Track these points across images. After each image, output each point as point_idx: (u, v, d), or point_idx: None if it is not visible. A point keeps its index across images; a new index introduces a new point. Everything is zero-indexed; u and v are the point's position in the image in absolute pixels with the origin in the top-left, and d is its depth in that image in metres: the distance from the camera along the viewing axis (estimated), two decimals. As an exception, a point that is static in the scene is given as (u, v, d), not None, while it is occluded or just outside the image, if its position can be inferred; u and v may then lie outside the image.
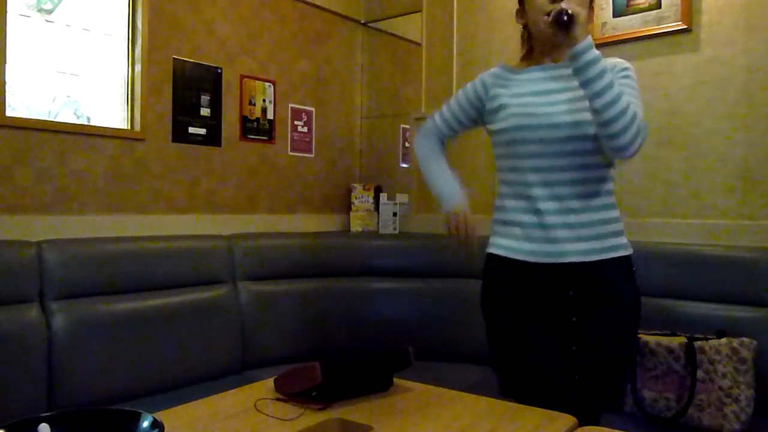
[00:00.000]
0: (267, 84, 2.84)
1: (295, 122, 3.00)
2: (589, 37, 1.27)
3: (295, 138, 2.99)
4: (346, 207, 3.22)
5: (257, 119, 2.80)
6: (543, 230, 1.38)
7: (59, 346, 1.86)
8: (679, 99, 2.30)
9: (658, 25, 2.32)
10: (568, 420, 1.04)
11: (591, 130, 1.34)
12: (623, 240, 1.42)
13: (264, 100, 2.83)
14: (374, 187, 3.17)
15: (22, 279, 1.85)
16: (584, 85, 1.27)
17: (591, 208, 1.37)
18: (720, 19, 2.22)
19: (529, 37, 1.50)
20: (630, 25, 2.37)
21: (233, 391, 1.20)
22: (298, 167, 3.01)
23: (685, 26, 2.26)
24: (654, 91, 2.35)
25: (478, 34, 2.85)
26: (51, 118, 2.19)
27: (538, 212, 1.38)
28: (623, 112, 1.25)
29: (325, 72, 3.15)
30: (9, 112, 2.02)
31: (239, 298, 2.40)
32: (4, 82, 1.98)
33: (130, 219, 2.32)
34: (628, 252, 1.43)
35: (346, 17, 3.25)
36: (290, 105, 2.97)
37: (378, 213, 3.09)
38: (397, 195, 3.07)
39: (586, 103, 1.32)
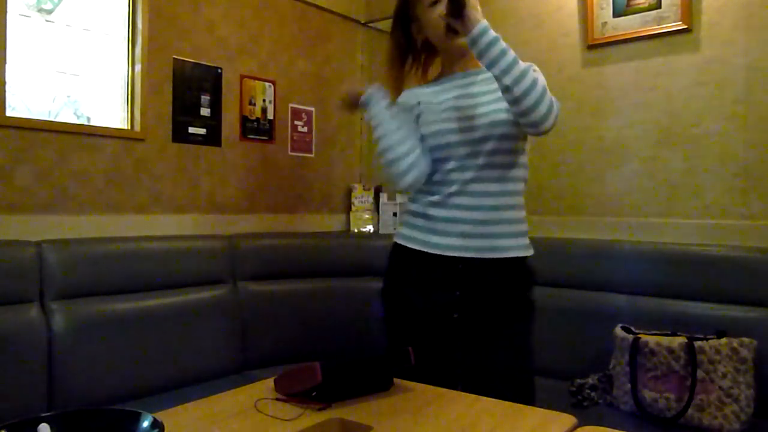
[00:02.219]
0: (267, 84, 2.84)
1: (295, 122, 3.00)
2: (485, 21, 1.31)
3: (295, 138, 2.99)
4: (346, 207, 3.21)
5: (257, 119, 2.80)
6: (440, 223, 1.44)
7: (59, 346, 1.86)
8: (679, 99, 2.30)
9: (658, 25, 2.32)
10: (568, 420, 1.04)
11: (506, 129, 1.40)
12: (522, 241, 1.46)
13: (264, 100, 2.83)
14: (374, 187, 3.17)
15: (22, 279, 1.85)
16: (490, 66, 1.30)
17: (494, 208, 1.42)
18: (720, 19, 2.22)
19: (426, 49, 1.57)
20: (630, 25, 2.37)
21: (233, 391, 1.20)
22: (298, 167, 3.01)
23: (685, 26, 2.26)
24: (654, 91, 2.35)
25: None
26: (51, 118, 2.19)
27: (436, 204, 1.45)
28: (532, 86, 1.29)
29: (325, 72, 3.15)
30: (9, 112, 2.02)
31: (239, 298, 2.40)
32: (4, 82, 1.98)
33: (130, 219, 2.32)
34: (524, 254, 1.46)
35: (346, 17, 3.25)
36: (290, 105, 2.97)
37: (378, 213, 3.09)
38: (397, 195, 3.07)
39: (500, 105, 1.38)
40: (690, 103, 2.29)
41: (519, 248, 1.46)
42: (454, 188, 1.43)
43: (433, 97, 1.50)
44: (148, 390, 2.02)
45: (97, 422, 0.86)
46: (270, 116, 2.86)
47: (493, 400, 1.15)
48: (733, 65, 2.20)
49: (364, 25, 3.35)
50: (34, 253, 1.89)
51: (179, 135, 2.48)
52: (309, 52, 3.06)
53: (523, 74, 1.29)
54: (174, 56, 2.46)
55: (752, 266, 2.01)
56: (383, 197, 3.07)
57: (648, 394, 1.90)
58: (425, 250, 1.47)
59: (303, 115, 3.04)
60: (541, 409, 1.09)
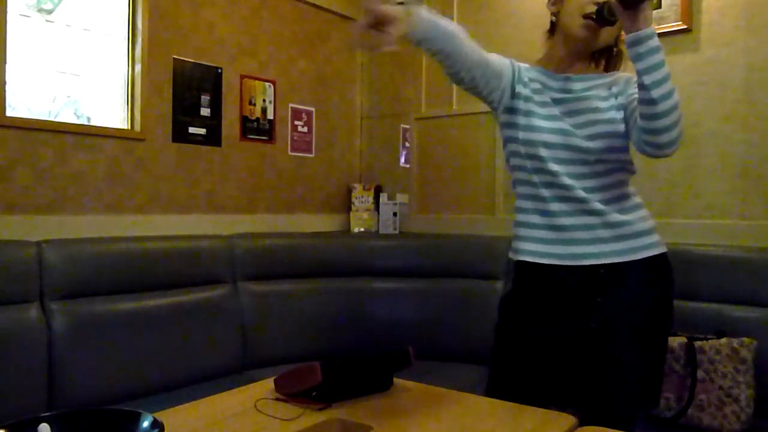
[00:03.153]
0: (267, 84, 2.84)
1: (295, 122, 3.00)
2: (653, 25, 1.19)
3: (295, 138, 2.99)
4: (346, 207, 3.21)
5: (257, 119, 2.80)
6: (568, 232, 1.33)
7: (59, 346, 1.86)
8: (679, 99, 2.30)
9: (658, 25, 2.32)
10: (568, 420, 1.04)
11: (617, 142, 1.32)
12: (653, 238, 1.37)
13: (264, 100, 2.83)
14: (374, 187, 3.17)
15: (22, 279, 1.85)
16: (645, 72, 1.18)
17: (617, 210, 1.34)
18: (720, 19, 2.22)
19: (552, 33, 1.42)
20: (630, 25, 2.37)
21: (233, 391, 1.20)
22: (298, 167, 3.01)
23: (685, 26, 2.26)
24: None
25: (478, 34, 2.83)
26: (51, 118, 2.19)
27: (559, 214, 1.33)
28: (676, 106, 1.20)
29: (325, 72, 3.15)
30: (9, 112, 2.02)
31: (239, 298, 2.40)
32: (4, 82, 1.98)
33: (130, 219, 2.32)
34: (660, 251, 1.37)
35: (346, 17, 3.25)
36: (290, 105, 2.97)
37: (378, 213, 3.09)
38: (397, 195, 3.07)
39: (612, 115, 1.31)
40: (690, 103, 2.28)
41: (653, 246, 1.36)
42: (571, 194, 1.33)
43: (541, 90, 1.37)
44: (148, 390, 2.02)
45: (97, 422, 0.86)
46: (270, 116, 2.86)
47: (493, 399, 1.15)
48: (733, 65, 2.20)
49: (364, 25, 3.34)
50: (34, 253, 1.89)
51: (179, 135, 2.48)
52: (309, 52, 3.06)
53: (671, 93, 1.20)
54: (174, 56, 2.46)
55: (752, 266, 2.00)
56: (383, 197, 3.07)
57: (648, 394, 1.90)
58: (559, 263, 1.34)
59: (303, 115, 3.04)
60: (541, 409, 1.09)
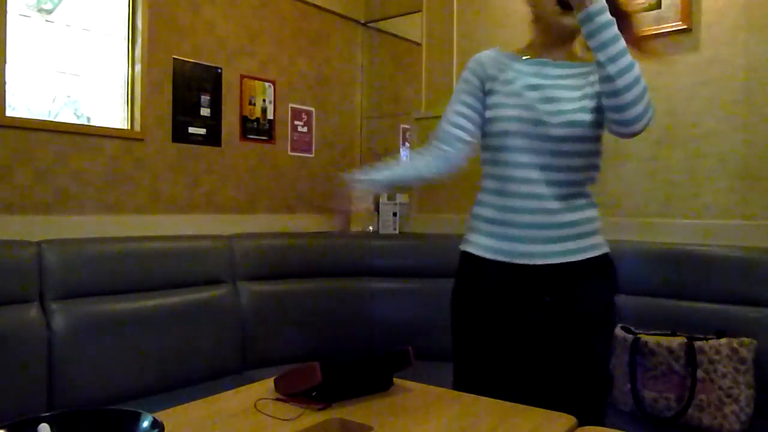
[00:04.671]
0: (267, 84, 2.84)
1: (295, 122, 3.00)
2: (603, 0, 1.20)
3: (295, 138, 2.99)
4: (346, 207, 3.21)
5: (257, 119, 2.80)
6: (520, 229, 1.34)
7: (59, 346, 1.86)
8: (679, 99, 2.30)
9: (658, 25, 2.32)
10: (568, 420, 1.04)
11: (587, 132, 1.32)
12: (599, 239, 1.39)
13: (264, 100, 2.83)
14: (374, 187, 3.16)
15: (22, 279, 1.85)
16: (598, 49, 1.20)
17: (570, 209, 1.34)
18: (720, 19, 2.22)
19: (533, 24, 1.43)
20: (630, 25, 2.37)
21: (233, 391, 1.20)
22: (298, 167, 3.01)
23: (685, 26, 2.26)
24: (654, 91, 2.33)
25: (478, 34, 2.85)
26: (51, 118, 2.19)
27: (516, 210, 1.34)
28: (637, 80, 1.20)
29: (325, 72, 3.15)
30: (9, 112, 2.02)
31: (239, 298, 2.40)
32: (4, 82, 1.98)
33: (130, 219, 2.32)
34: (605, 251, 1.39)
35: (346, 17, 3.25)
36: (290, 105, 2.97)
37: (378, 213, 3.09)
38: (397, 195, 3.07)
39: (585, 104, 1.31)
40: (690, 103, 2.28)
41: (598, 246, 1.38)
42: (530, 189, 1.34)
43: (514, 77, 1.37)
44: (148, 390, 2.02)
45: (97, 422, 0.86)
46: (270, 116, 2.86)
47: (493, 400, 1.15)
48: (733, 65, 2.20)
49: (364, 25, 3.35)
50: (34, 253, 1.89)
51: (179, 135, 2.48)
52: (309, 52, 3.06)
53: (629, 67, 1.19)
54: (174, 56, 2.46)
55: (752, 266, 2.00)
56: (383, 197, 3.07)
57: (648, 394, 1.90)
58: (506, 260, 1.36)
59: (303, 115, 3.04)
60: (541, 409, 1.09)
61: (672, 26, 2.29)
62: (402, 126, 3.23)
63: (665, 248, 2.18)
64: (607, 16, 1.19)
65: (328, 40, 3.16)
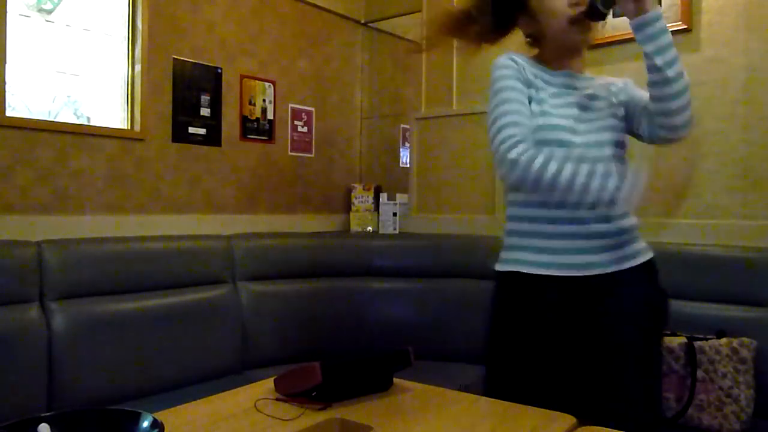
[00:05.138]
0: (267, 84, 2.84)
1: (295, 122, 3.00)
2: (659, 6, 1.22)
3: (295, 138, 2.99)
4: (346, 207, 3.21)
5: (257, 119, 2.80)
6: (566, 240, 1.29)
7: (59, 346, 1.86)
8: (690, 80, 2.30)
9: (658, 25, 2.32)
10: (568, 420, 1.04)
11: (619, 137, 1.31)
12: (642, 244, 1.34)
13: (264, 100, 2.83)
14: (374, 187, 3.17)
15: (22, 279, 1.85)
16: (656, 53, 1.18)
17: (610, 218, 1.30)
18: (720, 19, 2.22)
19: (536, 42, 1.40)
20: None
21: (233, 391, 1.20)
22: (298, 167, 3.01)
23: (685, 26, 2.26)
24: (654, 91, 2.35)
25: (478, 34, 2.85)
26: (51, 118, 2.19)
27: (559, 221, 1.29)
28: (688, 86, 1.20)
29: (325, 72, 3.15)
30: (9, 112, 2.02)
31: (239, 298, 2.40)
32: (4, 82, 1.98)
33: (130, 219, 2.32)
34: (649, 256, 1.34)
35: (346, 17, 3.25)
36: (290, 105, 2.97)
37: (378, 213, 3.09)
38: (397, 195, 3.07)
39: (615, 111, 1.31)
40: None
41: (644, 252, 1.33)
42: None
43: (551, 87, 1.33)
44: (148, 390, 2.02)
45: (97, 422, 0.86)
46: (270, 116, 2.86)
47: (493, 399, 1.15)
48: (733, 65, 2.20)
49: (364, 25, 3.35)
50: (34, 253, 1.89)
51: (179, 135, 2.48)
52: (309, 52, 3.06)
53: (683, 72, 1.20)
54: (174, 56, 2.46)
55: (752, 266, 2.00)
56: (383, 197, 3.07)
57: (648, 394, 1.90)
58: (554, 273, 1.30)
59: (303, 115, 3.04)
60: (541, 409, 1.09)
61: (672, 26, 2.29)
62: (402, 126, 3.23)
63: (665, 248, 2.18)
64: (663, 21, 1.19)
65: (328, 40, 3.16)
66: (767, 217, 2.13)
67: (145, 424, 0.83)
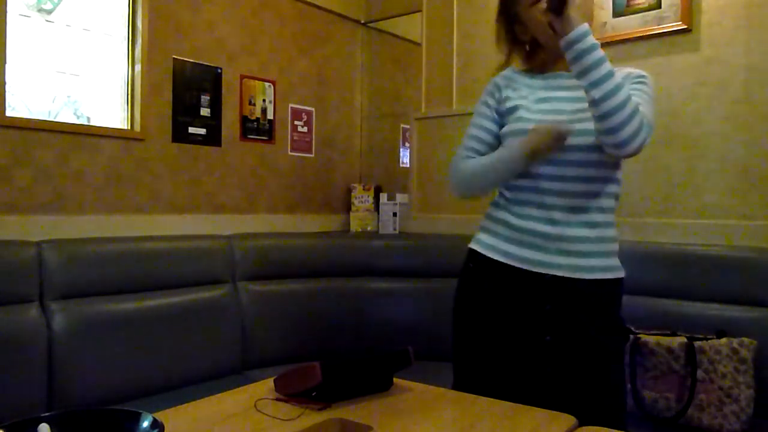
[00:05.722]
0: (267, 84, 2.84)
1: (295, 122, 3.00)
2: (586, 25, 1.21)
3: (295, 138, 2.99)
4: (346, 207, 3.22)
5: (257, 119, 2.80)
6: (531, 236, 1.34)
7: (59, 346, 1.86)
8: (679, 99, 2.30)
9: (658, 25, 2.32)
10: (568, 420, 1.04)
11: (597, 156, 1.31)
12: (612, 262, 1.36)
13: (264, 100, 2.83)
14: (374, 187, 3.17)
15: (22, 279, 1.85)
16: (579, 75, 1.21)
17: (580, 224, 1.33)
18: (720, 19, 2.22)
19: (531, 50, 1.46)
20: (630, 25, 2.37)
21: (233, 391, 1.20)
22: (298, 167, 3.01)
23: (685, 26, 2.26)
24: (654, 91, 2.35)
25: (478, 34, 2.85)
26: (51, 118, 2.19)
27: (527, 218, 1.35)
28: (623, 104, 1.19)
29: (325, 72, 3.15)
30: (9, 112, 2.02)
31: (239, 298, 2.40)
32: (4, 82, 1.98)
33: (130, 219, 2.32)
34: (620, 275, 1.37)
35: (346, 17, 3.25)
36: (290, 105, 2.97)
37: (378, 213, 3.09)
38: (397, 195, 3.07)
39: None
40: (690, 103, 2.28)
41: (609, 269, 1.35)
42: (545, 199, 1.34)
43: (531, 91, 1.40)
44: (148, 390, 2.02)
45: (97, 422, 0.86)
46: (270, 116, 2.86)
47: (493, 399, 1.15)
48: (733, 65, 2.20)
49: (364, 25, 3.35)
50: (34, 253, 1.89)
51: (179, 135, 2.48)
52: (309, 52, 3.06)
53: (615, 90, 1.19)
54: (174, 56, 2.46)
55: (752, 266, 2.00)
56: (383, 197, 3.07)
57: (648, 394, 1.90)
58: (511, 263, 1.37)
59: (303, 115, 3.04)
60: (541, 409, 1.09)
61: (672, 26, 2.29)
62: (402, 126, 3.23)
63: (665, 248, 2.18)
64: (588, 41, 1.20)
65: (328, 40, 3.16)
66: (767, 217, 2.13)
67: (145, 424, 0.83)
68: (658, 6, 2.31)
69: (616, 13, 2.41)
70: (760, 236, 2.11)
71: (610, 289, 1.36)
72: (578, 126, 1.31)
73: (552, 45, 1.34)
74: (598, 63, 1.19)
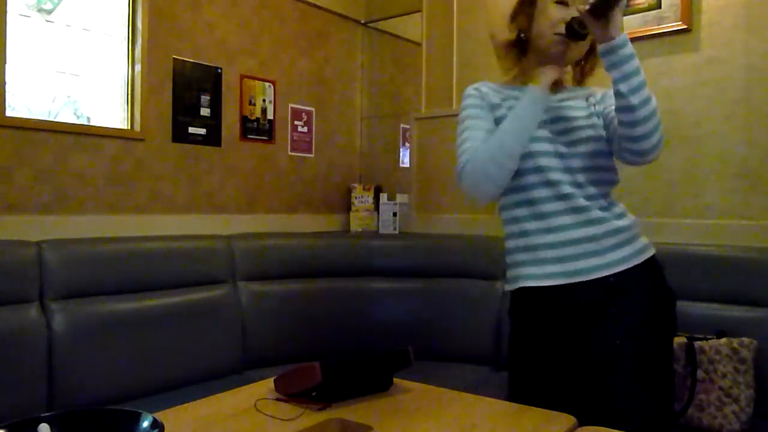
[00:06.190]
0: (267, 84, 2.84)
1: (295, 122, 3.00)
2: (625, 32, 1.20)
3: (295, 138, 2.99)
4: (346, 207, 3.22)
5: (257, 119, 2.80)
6: (565, 247, 1.30)
7: (59, 346, 1.86)
8: (679, 99, 2.30)
9: (658, 25, 2.32)
10: (568, 420, 1.04)
11: (601, 146, 1.32)
12: (642, 242, 1.34)
13: (264, 100, 2.83)
14: (374, 187, 3.17)
15: (22, 279, 1.85)
16: (620, 80, 1.19)
17: (611, 216, 1.31)
18: (720, 19, 2.22)
19: (520, 54, 1.42)
20: (630, 25, 2.37)
21: (233, 391, 1.20)
22: (298, 167, 3.01)
23: (685, 26, 2.26)
24: (654, 91, 2.34)
25: (478, 34, 2.85)
26: (51, 118, 2.19)
27: (555, 230, 1.31)
28: (654, 112, 1.20)
29: (325, 72, 3.15)
30: (9, 112, 2.02)
31: (239, 298, 2.40)
32: (4, 82, 1.98)
33: (130, 219, 2.32)
34: (650, 253, 1.35)
35: (346, 17, 3.25)
36: (290, 105, 2.97)
37: (378, 213, 3.09)
38: (397, 195, 3.07)
39: (594, 121, 1.32)
40: (690, 103, 2.29)
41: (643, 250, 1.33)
42: (556, 207, 1.31)
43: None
44: (148, 390, 2.02)
45: (97, 422, 0.86)
46: (270, 116, 2.86)
47: (493, 399, 1.15)
48: (733, 65, 2.20)
49: (364, 25, 3.35)
50: (34, 253, 1.89)
51: (179, 135, 2.48)
52: (309, 52, 3.06)
53: (649, 99, 1.20)
54: (174, 56, 2.46)
55: (752, 266, 2.00)
56: (383, 197, 3.07)
57: (648, 394, 1.90)
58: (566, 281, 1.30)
59: (303, 115, 3.04)
60: (541, 409, 1.09)
61: (672, 26, 2.29)
62: (402, 126, 3.23)
63: (665, 248, 2.18)
64: (631, 48, 1.19)
65: (328, 40, 3.16)
66: (767, 217, 2.13)
67: (145, 424, 0.83)
68: (658, 6, 2.32)
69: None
70: (760, 236, 2.11)
71: (653, 266, 1.34)
72: (582, 133, 1.31)
73: (546, 52, 1.33)
74: (639, 70, 1.20)
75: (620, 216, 1.33)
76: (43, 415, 0.83)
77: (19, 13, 2.08)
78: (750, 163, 2.17)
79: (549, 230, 1.31)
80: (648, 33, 2.34)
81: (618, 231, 1.31)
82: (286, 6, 2.94)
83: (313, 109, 3.09)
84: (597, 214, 1.30)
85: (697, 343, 1.86)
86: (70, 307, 1.92)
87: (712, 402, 1.81)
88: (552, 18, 1.32)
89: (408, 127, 3.16)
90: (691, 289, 2.07)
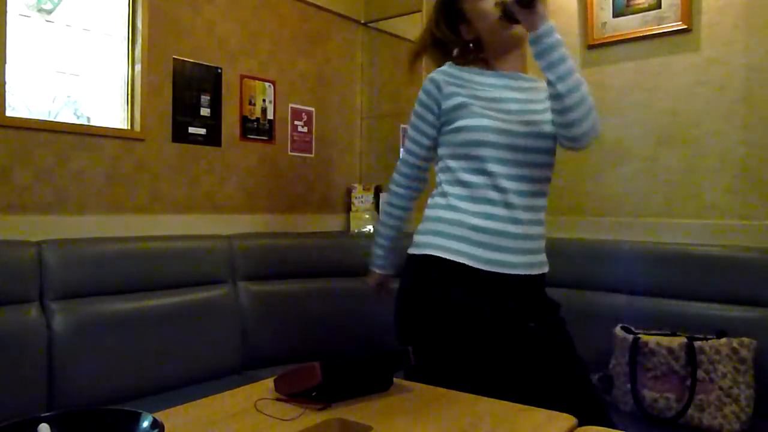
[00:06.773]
0: (267, 84, 2.84)
1: (295, 122, 3.00)
2: (551, 21, 1.25)
3: (295, 138, 2.99)
4: (346, 207, 3.21)
5: (257, 119, 2.80)
6: (503, 239, 1.34)
7: (59, 346, 1.86)
8: (679, 99, 2.31)
9: (658, 25, 2.32)
10: (568, 420, 1.04)
11: (550, 144, 1.37)
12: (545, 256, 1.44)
13: (264, 100, 2.83)
14: (374, 187, 3.17)
15: (22, 279, 1.85)
16: (547, 68, 1.24)
17: (536, 222, 1.38)
18: (720, 19, 2.22)
19: (475, 48, 1.48)
20: (630, 25, 2.38)
21: (233, 391, 1.20)
22: (298, 167, 3.01)
23: (685, 26, 2.27)
24: (654, 91, 2.35)
25: (478, 34, 2.85)
26: (51, 118, 2.19)
27: (515, 221, 1.34)
28: (584, 98, 1.25)
29: (325, 72, 3.15)
30: (9, 112, 2.02)
31: (239, 298, 2.40)
32: (4, 82, 1.98)
33: (130, 219, 2.32)
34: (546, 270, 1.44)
35: (346, 17, 3.25)
36: (290, 105, 2.97)
37: (378, 213, 3.09)
38: (397, 195, 3.06)
39: (548, 117, 1.34)
40: (690, 103, 2.29)
41: (546, 264, 1.43)
42: (509, 198, 1.35)
43: (482, 89, 1.40)
44: (148, 390, 2.03)
45: (97, 422, 0.86)
46: (270, 116, 2.86)
47: (493, 399, 1.15)
48: (733, 65, 2.20)
49: (364, 25, 3.35)
50: (34, 253, 1.89)
51: (179, 135, 2.48)
52: (309, 52, 3.06)
53: (578, 85, 1.24)
54: (174, 56, 2.46)
55: (752, 266, 2.01)
56: (383, 197, 3.07)
57: (648, 394, 1.90)
58: (478, 266, 1.34)
59: (303, 115, 3.04)
60: (541, 409, 1.09)
61: (672, 26, 2.29)
62: (402, 126, 3.23)
63: (665, 248, 2.18)
64: (555, 36, 1.24)
65: (328, 40, 3.16)
66: (767, 217, 2.14)
67: (145, 424, 0.83)
68: (658, 6, 2.32)
69: (616, 13, 2.42)
70: (760, 236, 2.11)
71: (542, 282, 1.43)
72: (536, 129, 1.35)
73: (496, 40, 1.39)
74: (564, 58, 1.24)
75: (540, 223, 1.41)
76: (43, 415, 0.83)
77: (19, 13, 2.08)
78: (750, 163, 2.17)
79: (487, 216, 1.37)
80: (648, 33, 2.34)
81: (537, 237, 1.41)
82: (285, 6, 2.94)
83: (313, 109, 3.09)
84: (521, 215, 1.37)
85: (697, 343, 1.86)
86: (70, 307, 1.92)
87: (712, 402, 1.81)
88: (484, 10, 1.38)
89: (408, 127, 3.16)
90: (691, 289, 2.07)
